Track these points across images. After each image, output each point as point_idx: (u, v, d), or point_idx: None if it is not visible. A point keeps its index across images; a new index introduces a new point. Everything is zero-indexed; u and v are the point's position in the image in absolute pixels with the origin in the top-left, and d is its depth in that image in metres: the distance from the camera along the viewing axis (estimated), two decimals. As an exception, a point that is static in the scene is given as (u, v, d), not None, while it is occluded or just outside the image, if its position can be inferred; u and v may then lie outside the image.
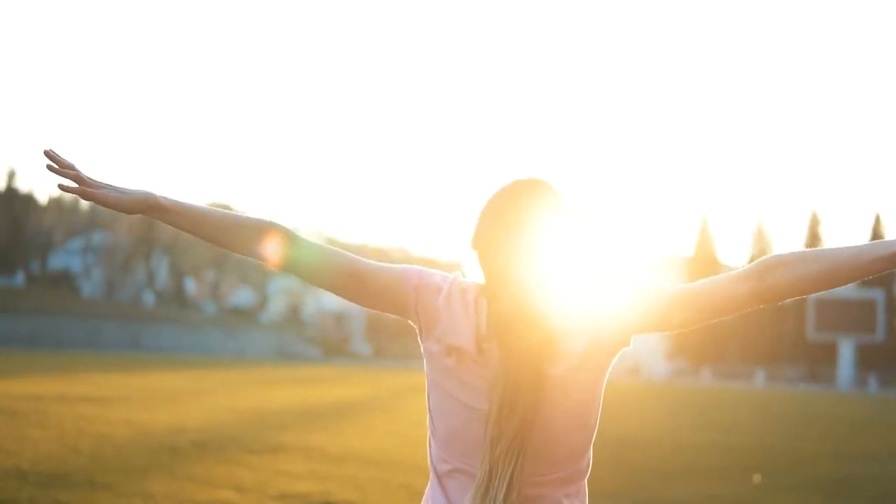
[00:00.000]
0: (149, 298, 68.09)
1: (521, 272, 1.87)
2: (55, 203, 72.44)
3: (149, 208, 1.92)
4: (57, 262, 71.79)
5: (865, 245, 1.79)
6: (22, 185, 71.36)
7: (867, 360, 57.42)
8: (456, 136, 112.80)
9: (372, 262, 1.97)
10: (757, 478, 10.91)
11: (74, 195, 2.02)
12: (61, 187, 1.93)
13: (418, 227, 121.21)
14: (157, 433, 11.87)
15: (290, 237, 1.95)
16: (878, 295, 55.83)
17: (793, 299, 1.84)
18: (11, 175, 67.62)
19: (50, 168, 1.92)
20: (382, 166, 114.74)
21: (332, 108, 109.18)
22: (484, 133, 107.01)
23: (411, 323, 1.96)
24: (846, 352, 55.53)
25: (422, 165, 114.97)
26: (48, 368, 26.29)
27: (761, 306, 1.85)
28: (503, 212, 1.91)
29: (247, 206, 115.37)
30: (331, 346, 62.49)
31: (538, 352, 1.84)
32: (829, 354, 58.71)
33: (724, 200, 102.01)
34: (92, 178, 1.93)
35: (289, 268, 1.96)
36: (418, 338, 1.95)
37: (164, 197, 1.93)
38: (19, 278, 61.97)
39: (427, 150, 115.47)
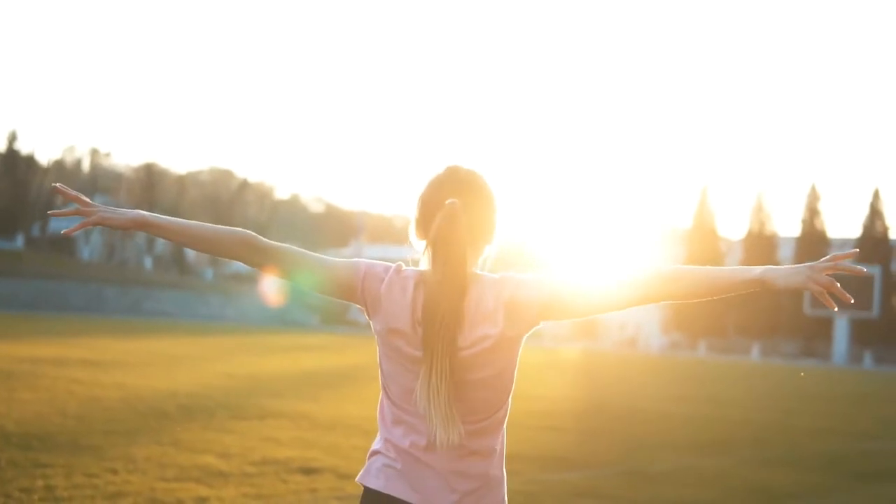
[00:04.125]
0: (148, 263, 68.09)
1: (454, 261, 2.17)
2: (56, 166, 72.20)
3: (141, 224, 2.28)
4: (58, 225, 71.72)
5: (738, 268, 2.18)
6: (23, 147, 71.13)
7: (863, 336, 57.45)
8: (458, 102, 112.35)
9: (327, 258, 2.32)
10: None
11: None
12: (65, 233, 2.30)
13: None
14: (148, 398, 11.94)
15: (259, 246, 2.29)
16: (874, 271, 55.58)
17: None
18: (13, 137, 67.42)
19: (53, 214, 2.27)
20: (384, 133, 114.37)
21: (336, 77, 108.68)
22: (486, 101, 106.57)
23: (359, 307, 2.30)
24: (842, 327, 55.57)
25: (423, 132, 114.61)
26: (47, 332, 26.40)
27: (644, 306, 2.23)
28: (441, 203, 2.23)
29: (252, 172, 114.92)
30: (330, 314, 62.58)
31: (453, 335, 2.17)
32: (825, 330, 58.85)
33: (724, 173, 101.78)
34: (91, 204, 2.28)
35: (260, 269, 2.34)
36: (366, 318, 2.30)
37: (153, 215, 2.29)
38: (19, 241, 61.89)
39: (428, 116, 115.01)
